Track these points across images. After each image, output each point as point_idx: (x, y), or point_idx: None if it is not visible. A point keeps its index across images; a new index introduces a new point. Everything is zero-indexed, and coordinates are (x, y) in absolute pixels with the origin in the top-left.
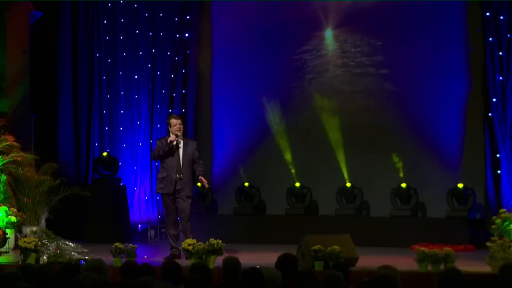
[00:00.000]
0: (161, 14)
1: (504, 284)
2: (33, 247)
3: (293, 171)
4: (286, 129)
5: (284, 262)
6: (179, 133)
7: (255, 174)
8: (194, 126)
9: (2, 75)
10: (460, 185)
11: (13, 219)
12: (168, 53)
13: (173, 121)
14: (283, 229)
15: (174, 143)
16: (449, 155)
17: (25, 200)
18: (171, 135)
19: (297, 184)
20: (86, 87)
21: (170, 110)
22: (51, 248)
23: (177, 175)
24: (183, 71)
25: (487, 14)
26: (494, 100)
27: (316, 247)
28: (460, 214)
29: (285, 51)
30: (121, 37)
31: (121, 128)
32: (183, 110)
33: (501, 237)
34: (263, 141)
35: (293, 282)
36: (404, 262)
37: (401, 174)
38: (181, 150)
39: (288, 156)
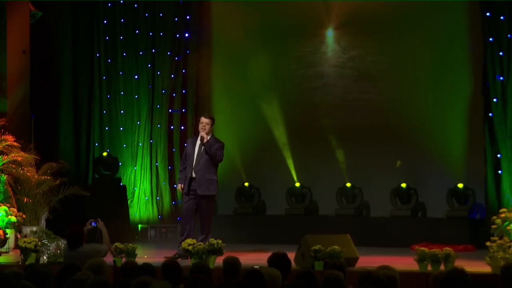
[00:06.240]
0: (161, 14)
1: (505, 284)
2: (33, 247)
3: (293, 171)
4: (286, 129)
5: (276, 261)
6: (201, 131)
7: (255, 174)
8: (194, 126)
9: (2, 75)
10: (460, 185)
11: (13, 219)
12: (168, 53)
13: (200, 119)
14: (283, 229)
15: (204, 140)
16: (449, 155)
17: (25, 200)
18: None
19: (297, 184)
20: (86, 87)
21: (169, 110)
22: (51, 248)
23: (192, 174)
24: (183, 71)
25: (487, 14)
26: (494, 100)
27: (316, 247)
28: (460, 214)
29: (285, 50)
30: (121, 37)
31: (121, 128)
32: (183, 110)
33: (501, 237)
34: (263, 141)
35: (292, 281)
36: (404, 262)
37: (401, 174)
38: (196, 148)
39: (288, 156)
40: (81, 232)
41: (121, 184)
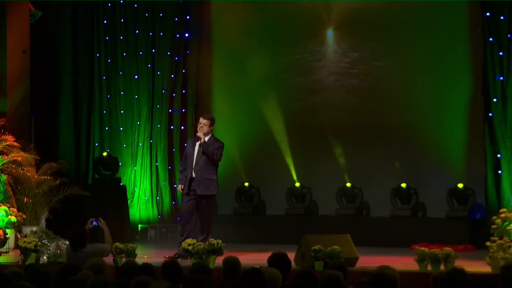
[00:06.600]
0: (161, 14)
1: (505, 284)
2: (33, 247)
3: (293, 171)
4: (286, 129)
5: (276, 261)
6: (198, 132)
7: (255, 174)
8: (194, 126)
9: (2, 75)
10: (460, 185)
11: (13, 219)
12: (168, 53)
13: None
14: (283, 229)
15: (201, 140)
16: (449, 155)
17: (25, 200)
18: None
19: (297, 184)
20: (86, 87)
21: (170, 110)
22: (51, 248)
23: (192, 174)
24: (183, 71)
25: (487, 14)
26: (494, 100)
27: (316, 247)
28: (460, 214)
29: (285, 50)
30: (121, 37)
31: (121, 128)
32: (183, 110)
33: (501, 237)
34: (263, 141)
35: (292, 281)
36: (404, 262)
37: (401, 174)
38: (196, 148)
39: (288, 156)
40: (84, 232)
41: (121, 184)
